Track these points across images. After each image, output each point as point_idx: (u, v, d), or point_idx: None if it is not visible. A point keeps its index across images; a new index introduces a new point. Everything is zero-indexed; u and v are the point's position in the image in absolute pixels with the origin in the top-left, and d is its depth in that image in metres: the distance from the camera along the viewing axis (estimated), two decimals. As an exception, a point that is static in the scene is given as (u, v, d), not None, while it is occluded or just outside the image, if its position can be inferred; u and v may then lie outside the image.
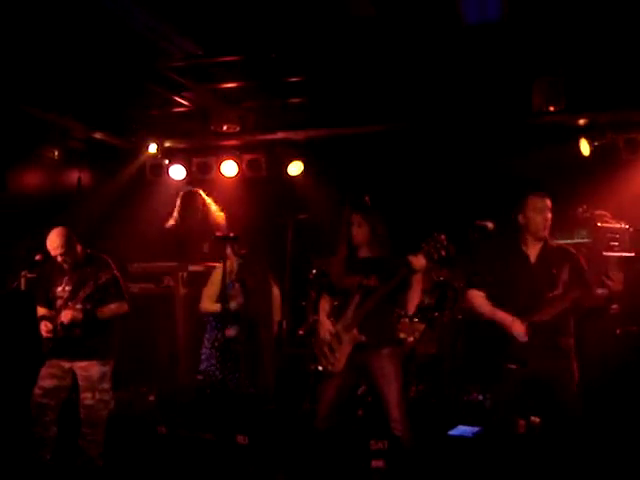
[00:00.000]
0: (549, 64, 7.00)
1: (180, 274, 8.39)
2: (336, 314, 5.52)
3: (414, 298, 5.43)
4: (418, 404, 7.02)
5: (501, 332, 5.08)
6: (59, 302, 5.86)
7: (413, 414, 5.52)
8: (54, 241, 5.78)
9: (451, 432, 6.44)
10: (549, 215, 5.16)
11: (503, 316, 5.07)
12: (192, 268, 8.38)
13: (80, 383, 5.89)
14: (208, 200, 8.72)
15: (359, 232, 5.49)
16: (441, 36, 6.41)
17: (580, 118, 7.78)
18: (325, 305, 5.66)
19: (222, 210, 8.70)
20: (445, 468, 5.91)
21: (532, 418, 6.30)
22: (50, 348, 5.83)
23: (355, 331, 5.34)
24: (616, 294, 4.98)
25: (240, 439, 5.96)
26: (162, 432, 6.70)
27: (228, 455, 5.79)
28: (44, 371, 5.87)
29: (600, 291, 4.97)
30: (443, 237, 5.20)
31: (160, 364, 8.28)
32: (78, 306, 5.72)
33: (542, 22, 6.17)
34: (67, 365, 5.88)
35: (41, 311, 5.95)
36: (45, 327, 5.78)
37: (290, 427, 5.71)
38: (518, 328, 4.99)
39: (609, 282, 4.87)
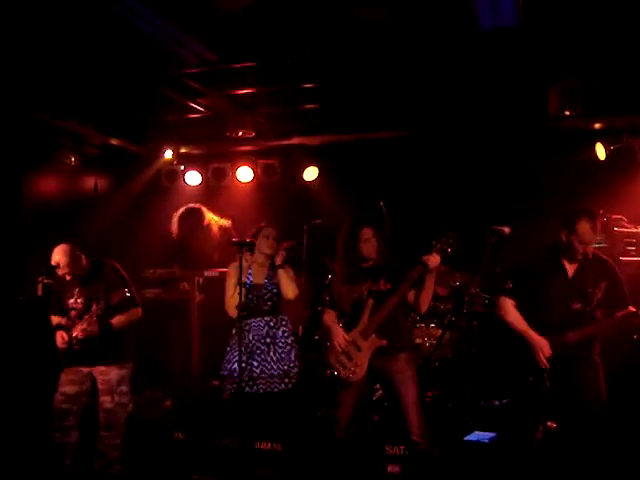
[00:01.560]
0: (565, 69, 6.98)
1: (196, 280, 8.40)
2: (349, 323, 5.51)
3: (427, 298, 5.39)
4: (434, 409, 7.00)
5: (523, 347, 5.10)
6: (73, 313, 5.91)
7: (429, 419, 5.50)
8: (59, 260, 5.84)
9: (467, 437, 6.42)
10: (593, 245, 5.12)
11: (534, 336, 5.13)
12: (207, 274, 8.39)
13: (99, 387, 5.93)
14: (210, 215, 8.68)
15: (368, 246, 5.47)
16: (456, 42, 6.40)
17: (596, 122, 7.76)
18: (331, 316, 5.64)
19: (228, 219, 8.68)
20: (461, 474, 5.90)
21: (549, 423, 6.27)
22: (68, 356, 5.86)
23: (374, 336, 5.33)
24: None
25: (258, 444, 5.98)
26: (178, 437, 6.75)
27: (245, 460, 5.79)
28: (64, 377, 5.91)
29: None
30: (452, 234, 5.21)
31: (176, 369, 8.30)
32: (94, 319, 5.75)
33: (558, 27, 6.16)
34: (86, 370, 5.92)
35: (56, 319, 6.00)
36: (61, 339, 5.82)
37: (307, 432, 5.70)
38: (545, 352, 5.05)
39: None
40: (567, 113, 7.20)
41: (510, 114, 7.64)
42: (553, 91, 7.20)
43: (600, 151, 7.71)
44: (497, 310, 5.41)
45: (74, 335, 5.77)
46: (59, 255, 5.84)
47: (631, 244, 7.12)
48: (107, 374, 5.90)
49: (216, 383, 7.96)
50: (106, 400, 5.89)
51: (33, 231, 7.38)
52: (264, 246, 5.90)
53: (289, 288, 5.89)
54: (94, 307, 5.77)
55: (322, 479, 5.57)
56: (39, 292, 6.35)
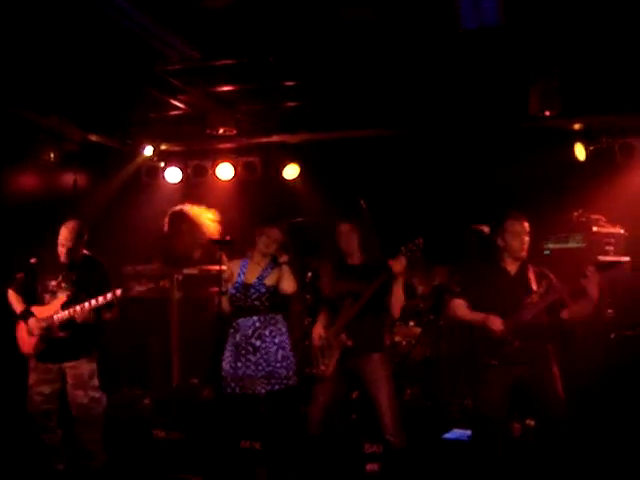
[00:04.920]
0: (545, 69, 7.02)
1: (175, 277, 8.37)
2: (331, 321, 5.56)
3: (397, 303, 5.47)
4: (413, 407, 7.02)
5: (482, 333, 5.17)
6: (47, 296, 5.75)
7: (408, 417, 5.53)
8: (68, 233, 5.75)
9: (446, 435, 6.45)
10: (526, 238, 5.29)
11: (479, 314, 5.20)
12: (187, 271, 8.37)
13: (70, 381, 5.78)
14: (197, 212, 8.60)
15: (347, 242, 5.53)
16: (438, 41, 6.41)
17: (576, 123, 7.83)
18: (325, 315, 5.68)
19: (216, 219, 8.61)
20: (440, 471, 5.92)
21: (527, 421, 6.32)
22: (40, 351, 5.73)
23: (343, 336, 5.37)
24: (591, 297, 5.02)
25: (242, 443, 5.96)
26: (158, 435, 6.73)
27: (226, 459, 5.78)
28: (36, 377, 5.79)
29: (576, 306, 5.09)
30: (421, 240, 5.28)
31: (155, 367, 8.28)
32: (89, 307, 5.59)
33: (538, 27, 6.19)
34: (56, 367, 5.78)
35: (18, 304, 5.83)
36: (38, 325, 5.66)
37: (285, 431, 5.70)
38: (493, 320, 5.09)
39: (584, 281, 4.98)
40: (547, 113, 7.24)
41: (491, 114, 7.68)
42: (533, 91, 7.24)
43: (580, 151, 7.77)
44: (448, 312, 5.54)
45: (57, 323, 5.62)
46: (68, 228, 5.77)
47: (609, 244, 7.19)
48: (78, 368, 5.77)
49: (195, 381, 7.98)
50: (79, 395, 5.77)
51: (11, 228, 7.30)
52: (261, 244, 5.83)
53: (290, 282, 5.76)
54: (91, 301, 5.59)
55: (302, 478, 5.57)
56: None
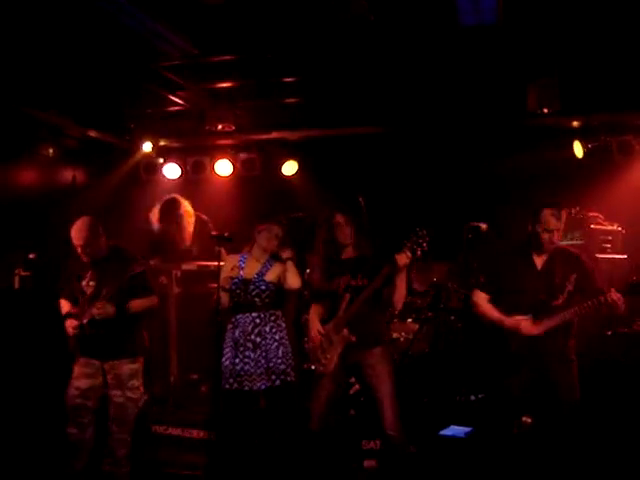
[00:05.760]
0: (544, 66, 7.03)
1: (173, 273, 8.36)
2: (328, 316, 5.55)
3: (399, 297, 5.44)
4: (410, 404, 7.03)
5: (502, 338, 5.17)
6: (82, 298, 5.72)
7: (405, 413, 5.54)
8: (78, 232, 5.64)
9: (443, 432, 6.45)
10: (559, 234, 5.18)
11: (508, 320, 5.17)
12: (185, 267, 8.36)
13: (109, 381, 5.75)
14: (187, 207, 8.56)
15: (343, 233, 5.52)
16: (437, 38, 6.43)
17: (574, 120, 7.82)
18: (315, 309, 5.70)
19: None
20: (437, 468, 5.93)
21: (524, 418, 6.33)
22: (80, 346, 5.71)
23: (345, 331, 5.36)
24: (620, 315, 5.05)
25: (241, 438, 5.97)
26: (156, 431, 6.75)
27: (224, 454, 5.79)
28: (78, 370, 5.73)
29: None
30: (425, 232, 5.22)
31: (153, 363, 8.26)
32: (107, 299, 5.54)
33: (537, 25, 6.21)
34: (97, 363, 5.74)
35: (66, 307, 5.81)
36: (71, 324, 5.63)
37: (284, 426, 5.72)
38: (525, 326, 5.07)
39: (610, 308, 4.91)
40: (545, 110, 7.25)
41: (489, 111, 7.69)
42: (532, 88, 7.25)
43: (578, 149, 7.78)
44: (472, 304, 5.50)
45: (85, 321, 5.57)
46: (80, 226, 5.66)
47: (607, 241, 7.21)
48: (118, 368, 5.73)
49: (194, 377, 7.98)
50: (116, 394, 5.72)
51: (10, 224, 7.30)
52: (263, 240, 5.83)
53: (295, 278, 5.79)
54: (111, 287, 5.55)
55: (299, 473, 5.59)
56: (16, 285, 6.28)
